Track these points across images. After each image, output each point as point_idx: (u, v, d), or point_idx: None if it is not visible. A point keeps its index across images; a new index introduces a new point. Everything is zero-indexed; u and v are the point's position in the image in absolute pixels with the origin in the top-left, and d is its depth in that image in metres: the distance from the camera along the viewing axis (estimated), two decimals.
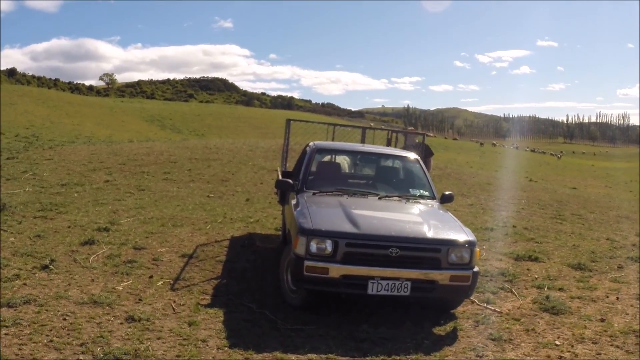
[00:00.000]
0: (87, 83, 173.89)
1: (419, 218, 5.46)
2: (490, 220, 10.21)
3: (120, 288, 5.34)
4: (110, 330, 4.32)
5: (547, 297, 5.72)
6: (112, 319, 4.56)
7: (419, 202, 6.08)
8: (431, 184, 6.51)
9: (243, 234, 8.02)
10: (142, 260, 6.27)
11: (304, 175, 6.26)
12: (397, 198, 6.09)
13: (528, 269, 6.95)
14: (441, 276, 4.88)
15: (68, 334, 4.18)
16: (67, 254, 6.28)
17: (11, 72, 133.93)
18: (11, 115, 28.52)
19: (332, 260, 4.79)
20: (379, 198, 6.01)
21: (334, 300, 5.36)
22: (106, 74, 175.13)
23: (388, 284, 4.78)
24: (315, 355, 4.19)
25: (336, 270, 4.77)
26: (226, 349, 4.19)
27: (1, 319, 4.31)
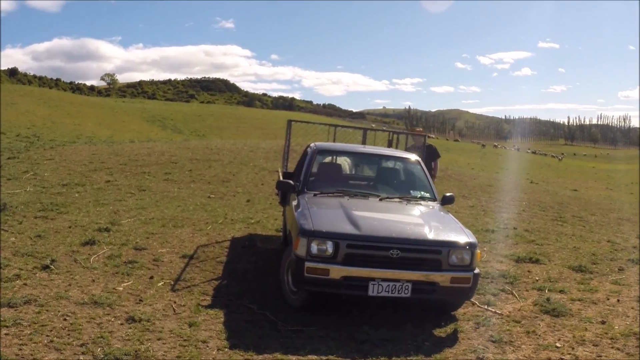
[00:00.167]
0: (89, 83, 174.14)
1: (420, 219, 5.46)
2: (491, 222, 10.20)
3: (121, 288, 5.34)
4: (111, 330, 4.32)
5: (548, 299, 5.72)
6: (112, 319, 4.56)
7: (420, 204, 6.08)
8: (432, 185, 6.51)
9: (244, 234, 8.02)
10: (142, 260, 6.28)
11: (305, 177, 6.26)
12: (398, 199, 6.09)
13: (529, 271, 6.95)
14: (442, 278, 4.88)
15: (68, 335, 4.18)
16: (67, 254, 6.28)
17: (12, 72, 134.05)
18: (12, 115, 28.56)
19: (333, 262, 4.79)
20: (380, 199, 6.01)
21: (335, 301, 5.36)
22: (107, 74, 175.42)
23: (389, 285, 4.78)
24: (315, 356, 4.18)
25: (337, 272, 4.77)
26: (226, 350, 4.19)
27: (2, 319, 4.31)
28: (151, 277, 5.77)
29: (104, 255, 6.37)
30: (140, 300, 5.09)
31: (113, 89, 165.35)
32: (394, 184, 6.76)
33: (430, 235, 5.03)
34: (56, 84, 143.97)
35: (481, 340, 4.72)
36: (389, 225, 5.15)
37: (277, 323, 4.81)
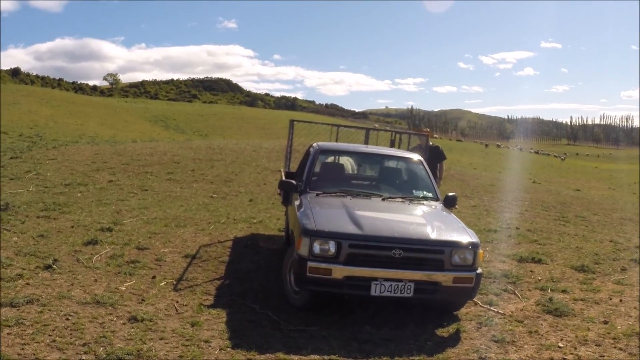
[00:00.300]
0: (91, 83, 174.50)
1: (422, 219, 5.45)
2: (493, 222, 10.19)
3: (123, 288, 5.35)
4: (113, 330, 4.32)
5: (550, 299, 5.70)
6: (114, 319, 4.56)
7: (422, 204, 6.07)
8: (434, 185, 6.50)
9: (246, 234, 8.02)
10: (145, 260, 6.28)
11: (308, 176, 6.25)
12: (400, 199, 6.08)
13: (531, 271, 6.93)
14: (444, 278, 4.87)
15: (71, 334, 4.19)
16: (70, 254, 6.29)
17: (15, 72, 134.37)
18: (15, 115, 28.64)
19: (335, 261, 4.78)
20: (383, 199, 6.00)
21: (337, 301, 5.36)
22: (110, 74, 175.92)
23: (391, 285, 4.77)
24: (317, 356, 4.18)
25: (339, 271, 4.76)
26: (229, 349, 4.19)
27: (4, 318, 4.31)
28: (153, 277, 5.77)
29: (106, 255, 6.37)
30: (142, 299, 5.09)
31: (116, 89, 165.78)
32: (397, 183, 6.76)
33: (433, 235, 5.02)
34: (59, 84, 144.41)
35: (484, 340, 4.71)
36: (391, 225, 5.14)
37: (280, 323, 4.81)
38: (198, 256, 6.65)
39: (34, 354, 3.82)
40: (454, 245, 4.95)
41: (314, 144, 7.02)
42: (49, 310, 4.61)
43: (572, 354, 4.50)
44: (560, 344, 4.67)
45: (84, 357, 3.84)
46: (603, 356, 4.48)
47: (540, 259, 7.44)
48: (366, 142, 8.28)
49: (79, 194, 10.11)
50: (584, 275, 6.89)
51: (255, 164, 16.01)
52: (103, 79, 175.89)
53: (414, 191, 6.45)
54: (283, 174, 7.86)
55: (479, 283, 5.10)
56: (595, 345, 4.70)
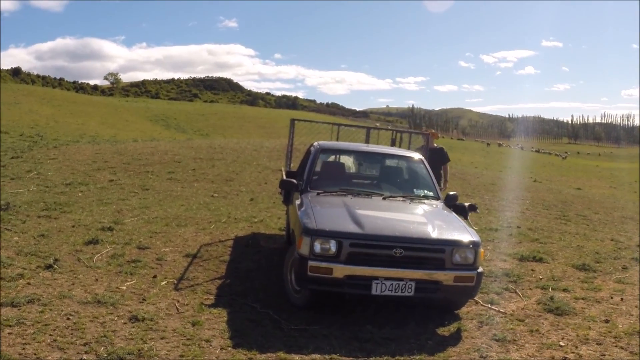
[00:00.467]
0: (92, 82, 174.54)
1: (423, 218, 5.44)
2: (494, 221, 10.18)
3: (124, 288, 5.35)
4: (114, 330, 4.32)
5: (552, 298, 5.70)
6: (115, 318, 4.56)
7: (423, 203, 6.07)
8: (435, 184, 6.49)
9: (247, 233, 8.02)
10: (146, 260, 6.28)
11: (308, 175, 6.25)
12: (401, 198, 6.07)
13: (532, 270, 6.93)
14: (445, 277, 4.87)
15: (71, 334, 4.18)
16: (71, 254, 6.29)
17: (16, 72, 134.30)
18: (16, 115, 28.65)
19: (336, 261, 4.78)
20: (383, 198, 6.00)
21: (338, 300, 5.36)
22: (111, 74, 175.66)
23: (392, 284, 4.77)
24: (318, 355, 4.18)
25: (340, 271, 4.76)
26: (230, 349, 4.18)
27: (5, 318, 4.32)
28: (154, 276, 5.77)
29: (107, 254, 6.37)
30: (143, 299, 5.09)
31: (116, 89, 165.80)
32: (398, 182, 6.75)
33: (434, 234, 5.01)
34: (59, 83, 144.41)
35: (485, 339, 4.71)
36: (392, 224, 5.14)
37: (281, 322, 4.80)
38: (199, 255, 6.65)
39: (34, 354, 3.82)
40: (454, 244, 4.94)
41: (315, 143, 7.01)
42: (50, 309, 4.61)
43: (573, 352, 4.49)
44: (562, 343, 4.67)
45: (84, 357, 3.84)
46: (604, 355, 4.48)
47: (541, 258, 7.43)
48: (367, 141, 8.27)
49: (79, 194, 10.12)
50: (585, 274, 6.88)
51: (256, 163, 16.01)
52: (104, 79, 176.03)
53: (414, 190, 6.45)
54: (284, 173, 7.86)
55: (480, 282, 5.10)
56: (597, 344, 4.70)
